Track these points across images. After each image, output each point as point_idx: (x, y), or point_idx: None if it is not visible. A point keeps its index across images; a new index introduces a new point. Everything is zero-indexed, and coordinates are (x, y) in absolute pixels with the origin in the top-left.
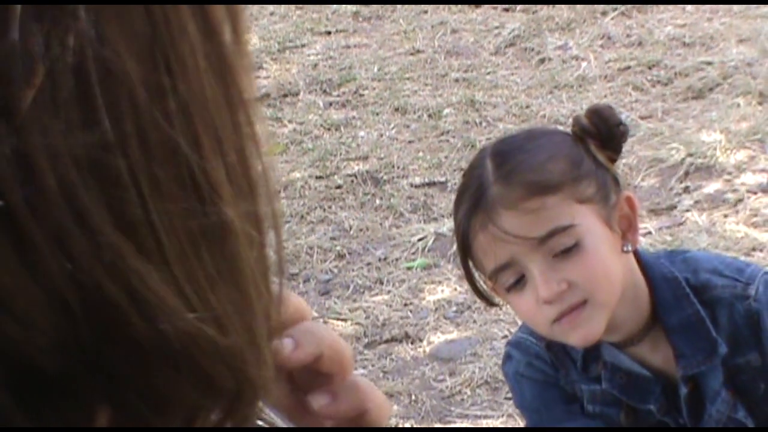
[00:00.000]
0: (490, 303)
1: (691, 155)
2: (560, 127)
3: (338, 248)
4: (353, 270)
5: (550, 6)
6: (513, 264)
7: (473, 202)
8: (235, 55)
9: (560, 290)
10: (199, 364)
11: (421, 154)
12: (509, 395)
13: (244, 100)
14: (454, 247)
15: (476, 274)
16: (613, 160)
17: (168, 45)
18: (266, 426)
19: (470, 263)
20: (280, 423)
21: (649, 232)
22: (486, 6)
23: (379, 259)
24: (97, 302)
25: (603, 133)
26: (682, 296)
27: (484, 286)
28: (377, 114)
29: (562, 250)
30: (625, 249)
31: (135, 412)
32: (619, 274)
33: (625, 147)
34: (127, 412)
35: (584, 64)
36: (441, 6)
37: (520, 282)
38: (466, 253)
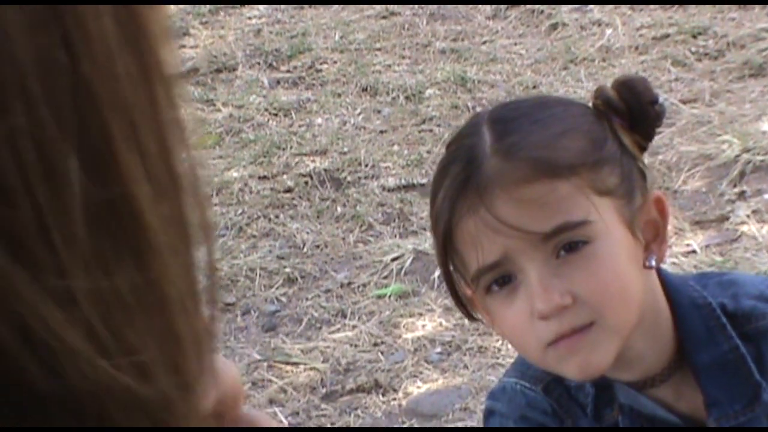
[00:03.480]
0: (472, 317)
1: (747, 150)
2: None
3: (288, 270)
4: (307, 299)
5: None
6: (504, 262)
7: (461, 178)
8: (150, 18)
9: (563, 304)
10: (113, 418)
11: (396, 147)
12: None
13: (164, 76)
14: (438, 272)
15: (458, 277)
16: (642, 149)
17: (67, 13)
18: None
19: (450, 262)
20: None
21: (693, 251)
22: None
23: (342, 285)
24: None
25: (633, 110)
26: (716, 327)
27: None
28: (339, 95)
29: (568, 250)
30: (648, 263)
31: None
32: (638, 294)
33: (663, 140)
34: None
35: (609, 31)
36: None
37: (509, 286)
38: (446, 246)
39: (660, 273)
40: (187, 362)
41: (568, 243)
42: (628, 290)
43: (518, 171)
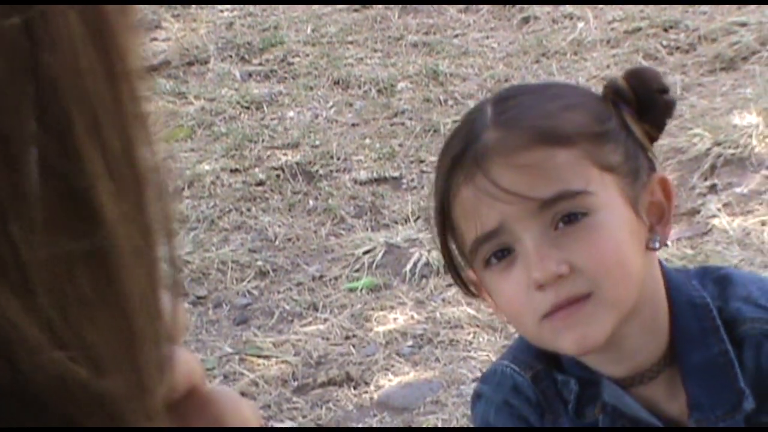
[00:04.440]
0: (473, 294)
1: (719, 144)
2: None
3: (259, 263)
4: (279, 292)
5: None
6: (502, 232)
7: (460, 148)
8: (116, 16)
9: (559, 272)
10: (70, 414)
11: (368, 141)
12: None
13: (128, 71)
14: (411, 261)
15: (456, 253)
16: (653, 139)
17: (31, 7)
18: None
19: (449, 237)
20: None
21: (665, 244)
22: None
23: (313, 278)
24: None
25: (641, 98)
26: (710, 329)
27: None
28: (311, 89)
29: (567, 222)
30: (651, 245)
31: None
32: (638, 272)
33: None
34: None
35: (581, 24)
36: None
37: (507, 258)
38: (444, 221)
39: (663, 269)
40: (146, 360)
41: (566, 215)
42: (627, 264)
43: (517, 138)
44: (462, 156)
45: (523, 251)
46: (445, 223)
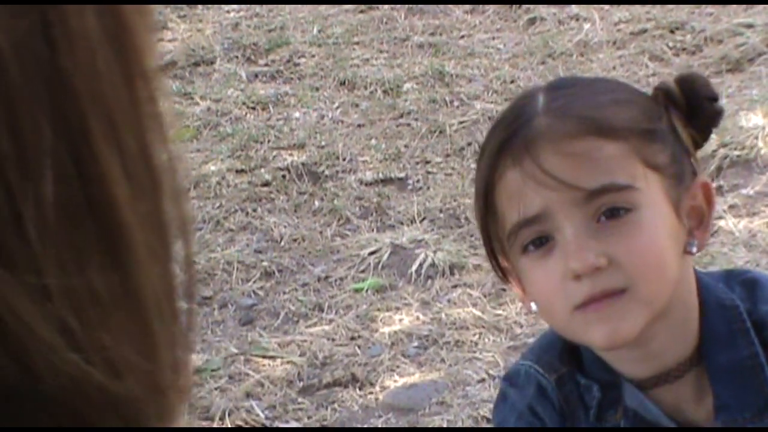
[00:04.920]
0: (508, 280)
1: (725, 145)
2: None
3: (265, 264)
4: (284, 292)
5: None
6: (544, 219)
7: (509, 132)
8: (134, 17)
9: (597, 264)
10: (84, 415)
11: (373, 141)
12: None
13: (145, 73)
14: (417, 262)
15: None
16: (697, 146)
17: (51, 9)
18: None
19: (489, 220)
20: None
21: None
22: None
23: (319, 279)
24: None
25: (691, 103)
26: (739, 331)
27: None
28: (317, 89)
29: (609, 216)
30: (689, 249)
31: None
32: (674, 273)
33: None
34: None
35: (587, 26)
36: None
37: (545, 246)
38: (486, 201)
39: (694, 271)
40: (161, 363)
41: (609, 209)
42: (664, 264)
43: (568, 126)
44: (511, 140)
45: (563, 240)
46: (487, 206)
